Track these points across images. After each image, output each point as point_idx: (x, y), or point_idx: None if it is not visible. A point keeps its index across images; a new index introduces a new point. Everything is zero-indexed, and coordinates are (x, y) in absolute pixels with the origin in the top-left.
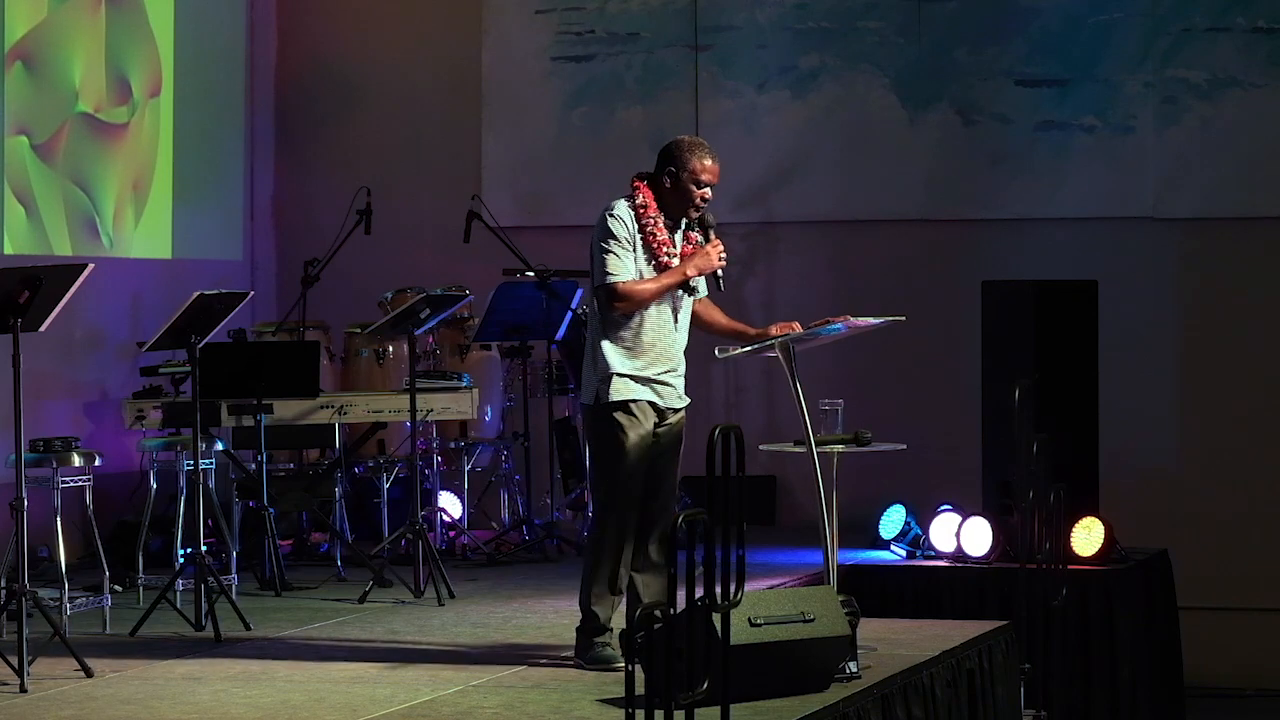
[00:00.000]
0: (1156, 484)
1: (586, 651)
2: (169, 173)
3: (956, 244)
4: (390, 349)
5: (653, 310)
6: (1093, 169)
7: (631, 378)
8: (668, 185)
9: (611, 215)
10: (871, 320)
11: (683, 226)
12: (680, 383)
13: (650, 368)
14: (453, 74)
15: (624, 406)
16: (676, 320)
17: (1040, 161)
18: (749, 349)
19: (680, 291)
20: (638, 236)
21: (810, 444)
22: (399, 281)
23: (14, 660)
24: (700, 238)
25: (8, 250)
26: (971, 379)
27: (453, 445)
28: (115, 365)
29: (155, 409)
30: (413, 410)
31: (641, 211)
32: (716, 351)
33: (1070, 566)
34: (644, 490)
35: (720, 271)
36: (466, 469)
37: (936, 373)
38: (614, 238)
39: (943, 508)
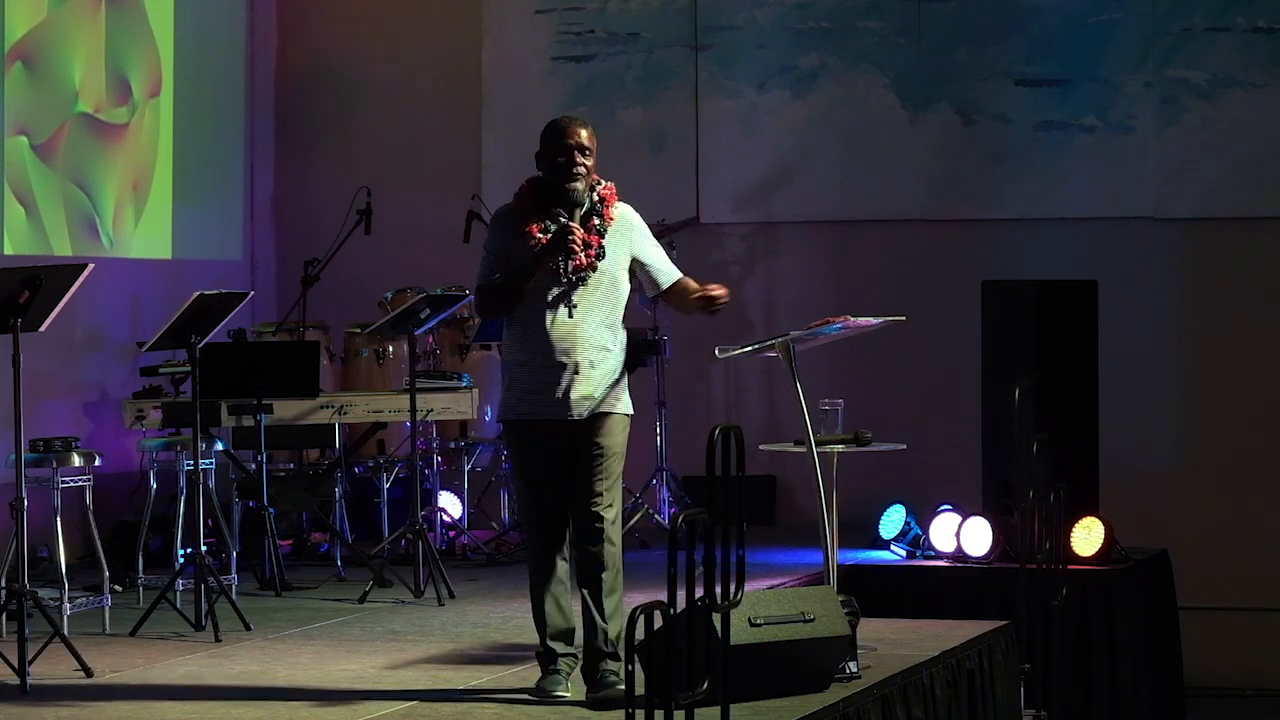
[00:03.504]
0: (1156, 484)
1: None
2: (169, 173)
3: (956, 244)
4: (390, 349)
5: (533, 311)
6: (1093, 169)
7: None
8: (543, 173)
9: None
10: (871, 320)
11: (579, 213)
12: (587, 386)
13: (536, 377)
14: (453, 74)
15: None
16: (571, 316)
17: (1040, 161)
18: (749, 348)
19: (563, 281)
20: (512, 238)
21: (810, 444)
22: (399, 281)
23: (14, 660)
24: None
25: (8, 250)
26: (971, 379)
27: (453, 445)
28: (115, 365)
29: (155, 409)
30: (413, 410)
31: (514, 210)
32: (717, 351)
33: (1070, 566)
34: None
35: (580, 257)
36: (466, 469)
37: (936, 373)
38: (485, 248)
39: (943, 508)
